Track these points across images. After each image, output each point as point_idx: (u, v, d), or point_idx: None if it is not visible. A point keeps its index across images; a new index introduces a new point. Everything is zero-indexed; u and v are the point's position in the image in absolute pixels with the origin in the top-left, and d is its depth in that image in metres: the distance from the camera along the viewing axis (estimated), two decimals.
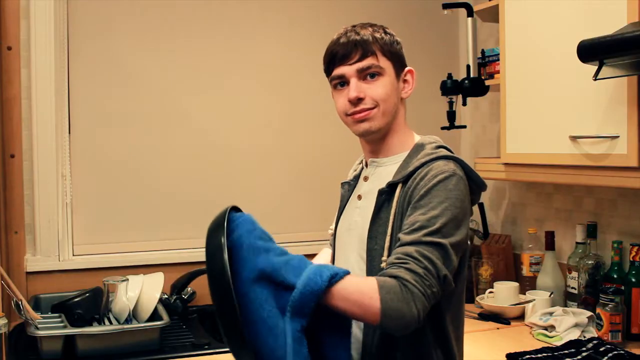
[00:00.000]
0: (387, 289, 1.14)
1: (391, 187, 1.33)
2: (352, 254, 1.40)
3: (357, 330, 1.34)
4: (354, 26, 1.37)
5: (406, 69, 1.40)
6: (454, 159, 1.32)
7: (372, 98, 1.33)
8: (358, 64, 1.33)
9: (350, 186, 1.48)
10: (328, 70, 1.38)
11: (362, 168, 1.47)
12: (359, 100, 1.33)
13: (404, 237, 1.22)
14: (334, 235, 1.50)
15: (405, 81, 1.40)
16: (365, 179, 1.43)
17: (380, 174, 1.39)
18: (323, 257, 1.64)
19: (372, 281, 1.16)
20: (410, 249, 1.19)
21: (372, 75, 1.33)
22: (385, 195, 1.34)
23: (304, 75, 2.66)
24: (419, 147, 1.37)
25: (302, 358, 1.10)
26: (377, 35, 1.34)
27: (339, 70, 1.35)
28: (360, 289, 1.14)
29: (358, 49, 1.32)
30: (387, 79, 1.34)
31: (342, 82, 1.36)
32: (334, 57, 1.35)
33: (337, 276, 1.13)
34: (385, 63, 1.34)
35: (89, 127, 2.42)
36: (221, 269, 1.08)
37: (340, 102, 1.37)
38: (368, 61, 1.32)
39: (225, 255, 1.09)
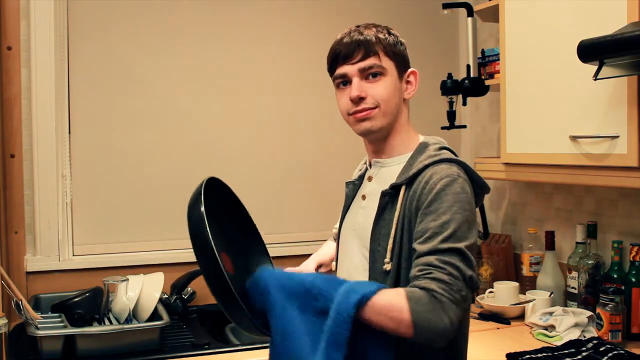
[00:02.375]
0: (415, 299, 1.15)
1: (394, 188, 1.33)
2: (355, 254, 1.40)
3: None
4: (358, 26, 1.38)
5: (409, 70, 1.41)
6: (457, 162, 1.32)
7: (374, 98, 1.34)
8: (360, 63, 1.33)
9: (355, 186, 1.48)
10: (331, 70, 1.39)
11: (367, 168, 1.48)
12: (360, 100, 1.34)
13: (420, 248, 1.22)
14: (338, 234, 1.50)
15: (408, 82, 1.40)
16: (369, 179, 1.44)
17: (384, 174, 1.39)
18: (326, 249, 1.66)
19: (401, 293, 1.16)
20: (431, 258, 1.19)
21: (374, 75, 1.34)
22: (388, 197, 1.34)
23: (305, 76, 2.66)
24: (422, 149, 1.37)
25: None
26: (381, 35, 1.35)
27: (341, 70, 1.35)
28: (390, 302, 1.16)
29: (361, 48, 1.33)
30: (389, 79, 1.35)
31: (344, 82, 1.37)
32: (337, 56, 1.36)
33: (364, 299, 1.15)
34: (387, 63, 1.35)
35: (89, 127, 2.42)
36: (204, 241, 1.16)
37: (342, 101, 1.38)
38: (370, 61, 1.33)
39: (206, 225, 1.16)
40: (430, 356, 1.30)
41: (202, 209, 1.18)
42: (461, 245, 1.21)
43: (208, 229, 1.16)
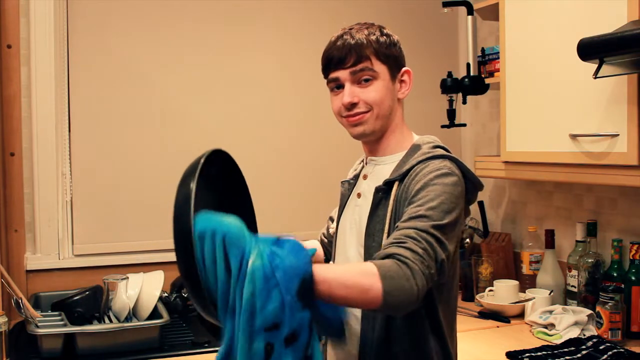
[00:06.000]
0: (385, 268, 1.11)
1: (388, 185, 1.34)
2: (351, 250, 1.41)
3: (355, 324, 1.35)
4: (350, 28, 1.38)
5: (403, 69, 1.41)
6: (450, 158, 1.33)
7: (366, 102, 1.35)
8: (352, 68, 1.34)
9: (350, 185, 1.50)
10: (324, 73, 1.40)
11: (363, 166, 1.49)
12: (352, 105, 1.35)
13: (401, 224, 1.22)
14: (336, 233, 1.51)
15: (402, 82, 1.41)
16: (365, 177, 1.45)
17: (379, 172, 1.41)
18: (306, 242, 1.61)
19: (369, 264, 1.14)
20: (409, 231, 1.19)
21: (366, 80, 1.35)
22: (382, 193, 1.35)
23: (306, 74, 2.66)
24: (416, 147, 1.38)
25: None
26: (373, 38, 1.35)
27: (334, 74, 1.37)
28: (358, 272, 1.12)
29: (352, 53, 1.33)
30: (380, 82, 1.35)
31: (337, 85, 1.38)
32: (330, 61, 1.37)
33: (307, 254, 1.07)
34: (379, 67, 1.35)
35: (89, 126, 2.42)
36: (185, 221, 1.03)
37: (335, 104, 1.39)
38: (362, 66, 1.34)
39: (191, 205, 1.04)
40: (420, 341, 1.30)
41: (193, 185, 1.08)
42: (441, 229, 1.20)
43: (192, 210, 1.04)
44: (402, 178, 1.32)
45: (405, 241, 1.17)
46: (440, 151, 1.35)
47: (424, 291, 1.15)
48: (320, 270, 1.06)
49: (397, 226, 1.24)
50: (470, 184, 1.33)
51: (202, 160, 1.13)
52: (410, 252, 1.15)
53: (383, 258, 1.16)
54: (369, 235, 1.35)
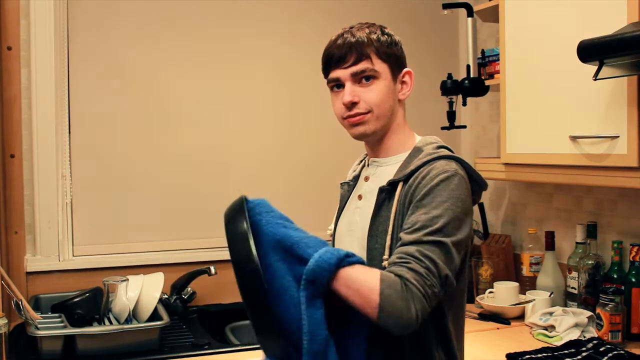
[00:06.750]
0: (388, 283, 1.14)
1: (392, 185, 1.33)
2: None
3: None
4: (351, 27, 1.37)
5: (404, 70, 1.40)
6: (456, 158, 1.32)
7: (366, 102, 1.34)
8: (352, 67, 1.33)
9: (349, 186, 1.49)
10: (325, 73, 1.39)
11: (362, 168, 1.48)
12: (353, 105, 1.34)
13: (405, 237, 1.22)
14: (333, 235, 1.50)
15: (403, 82, 1.40)
16: (366, 178, 1.44)
17: (381, 173, 1.40)
18: None
19: (376, 274, 1.16)
20: (412, 249, 1.19)
21: (367, 79, 1.33)
22: (385, 193, 1.34)
23: (305, 75, 2.66)
24: (419, 147, 1.38)
25: (315, 322, 1.13)
26: (374, 37, 1.34)
27: (334, 74, 1.35)
28: (363, 278, 1.15)
29: (353, 52, 1.32)
30: (381, 82, 1.34)
31: (338, 85, 1.37)
32: (330, 60, 1.35)
33: (353, 257, 1.17)
34: (380, 66, 1.34)
35: (89, 127, 2.42)
36: (247, 257, 1.09)
37: (336, 105, 1.38)
38: (362, 65, 1.32)
39: (251, 242, 1.10)
40: (427, 351, 1.30)
41: (245, 225, 1.13)
42: (447, 240, 1.20)
43: (252, 243, 1.11)
44: (406, 179, 1.32)
45: (409, 261, 1.18)
46: (445, 152, 1.34)
47: (425, 313, 1.16)
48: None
49: (399, 237, 1.24)
50: (476, 184, 1.33)
51: (244, 203, 1.19)
52: (413, 273, 1.16)
53: None
54: (372, 237, 1.34)
